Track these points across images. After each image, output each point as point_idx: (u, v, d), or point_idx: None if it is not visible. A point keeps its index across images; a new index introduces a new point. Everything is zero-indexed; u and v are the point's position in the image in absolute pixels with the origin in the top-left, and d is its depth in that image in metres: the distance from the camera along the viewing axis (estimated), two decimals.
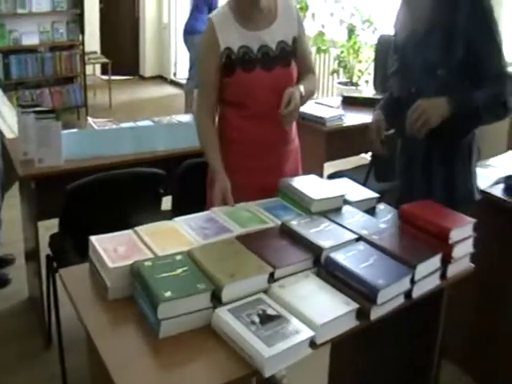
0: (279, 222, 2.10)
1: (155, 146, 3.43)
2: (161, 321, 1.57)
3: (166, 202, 3.18)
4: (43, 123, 3.13)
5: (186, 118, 3.96)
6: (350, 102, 4.99)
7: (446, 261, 1.98)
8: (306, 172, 2.63)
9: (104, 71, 9.57)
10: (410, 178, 2.60)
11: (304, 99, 2.54)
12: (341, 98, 5.11)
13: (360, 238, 2.00)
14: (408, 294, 1.85)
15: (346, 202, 2.28)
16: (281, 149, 2.68)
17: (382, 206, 2.34)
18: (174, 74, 10.81)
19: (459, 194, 2.51)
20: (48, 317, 3.37)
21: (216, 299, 1.66)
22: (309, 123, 4.28)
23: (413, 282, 1.84)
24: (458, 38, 2.27)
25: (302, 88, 2.53)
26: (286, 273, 1.81)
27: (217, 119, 2.69)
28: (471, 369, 3.17)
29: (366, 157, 5.27)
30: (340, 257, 1.84)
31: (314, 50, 7.30)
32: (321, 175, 4.18)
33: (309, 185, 2.30)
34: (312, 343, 1.58)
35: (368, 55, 6.29)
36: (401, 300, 1.83)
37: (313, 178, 2.44)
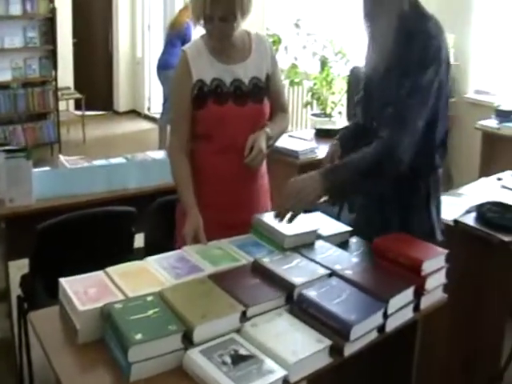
0: (251, 259, 2.09)
1: (128, 183, 3.41)
2: (131, 364, 1.54)
3: (139, 239, 3.16)
4: (13, 162, 3.10)
5: (160, 154, 3.94)
6: (322, 135, 5.00)
7: (419, 293, 1.98)
8: None
9: (77, 107, 9.54)
10: (368, 215, 2.52)
11: (272, 141, 2.54)
12: (314, 131, 5.14)
13: (333, 274, 1.99)
14: (381, 329, 1.85)
15: (319, 236, 2.27)
16: (251, 184, 2.66)
17: (354, 240, 2.34)
18: (148, 109, 10.80)
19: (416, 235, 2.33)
20: (20, 358, 3.31)
21: (188, 340, 1.64)
22: (282, 156, 4.30)
23: (386, 316, 1.84)
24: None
25: (269, 129, 2.53)
26: (258, 311, 1.79)
27: None
28: None
29: None
30: (312, 293, 1.83)
31: (287, 82, 7.36)
32: None
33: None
34: (285, 382, 1.56)
35: (341, 87, 6.36)
36: (374, 335, 1.83)
37: None
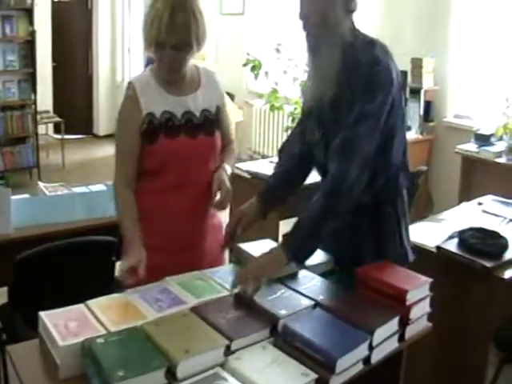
0: (234, 291, 2.06)
1: (108, 211, 3.37)
2: None
3: None
4: None
5: None
6: None
7: (404, 323, 1.98)
8: (262, 231, 2.60)
9: (57, 130, 9.49)
10: (340, 245, 2.38)
11: (229, 178, 2.50)
12: None
13: (317, 305, 1.98)
14: (367, 360, 1.83)
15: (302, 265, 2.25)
16: (204, 222, 2.54)
17: (337, 269, 2.33)
18: None
19: (391, 261, 2.28)
20: None
21: (171, 376, 1.61)
22: (262, 182, 4.28)
23: (371, 347, 1.83)
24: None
25: (227, 167, 2.52)
26: (242, 344, 1.77)
27: None
28: None
29: None
30: (297, 326, 1.82)
31: (267, 107, 7.39)
32: (276, 234, 4.17)
33: (263, 250, 2.28)
34: None
35: None
36: (360, 367, 1.82)
37: (267, 242, 2.42)
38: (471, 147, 5.60)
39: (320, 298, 2.02)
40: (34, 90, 7.82)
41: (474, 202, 3.86)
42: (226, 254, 2.60)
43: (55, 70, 10.07)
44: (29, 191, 4.29)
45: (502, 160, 5.34)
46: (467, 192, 5.36)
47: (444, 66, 6.20)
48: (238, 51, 8.24)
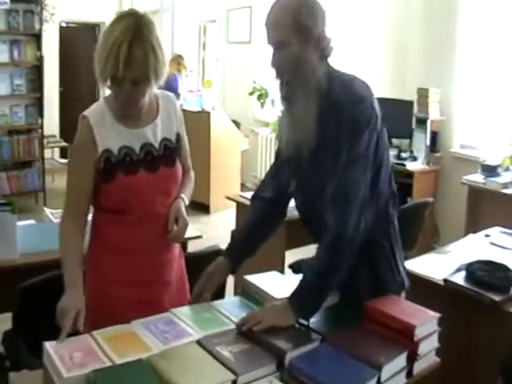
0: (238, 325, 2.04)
1: None
2: None
3: None
4: None
5: None
6: None
7: (412, 358, 1.95)
8: (268, 262, 2.59)
9: (63, 155, 9.53)
10: None
11: (187, 208, 2.42)
12: None
13: (324, 339, 1.96)
14: None
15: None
16: (165, 255, 2.42)
17: (343, 303, 2.30)
18: None
19: (389, 290, 2.27)
20: None
21: None
22: None
23: (379, 383, 1.80)
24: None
25: (185, 196, 2.44)
26: (248, 379, 1.74)
27: (88, 228, 2.40)
28: None
29: None
30: (303, 361, 1.80)
31: (273, 136, 7.41)
32: (282, 264, 4.16)
33: (270, 282, 2.27)
34: None
35: None
36: None
37: (274, 274, 2.41)
38: (478, 178, 5.60)
39: (327, 331, 2.00)
40: (41, 115, 7.86)
41: (481, 233, 3.84)
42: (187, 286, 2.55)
43: (62, 94, 10.15)
44: (34, 216, 4.31)
45: (509, 191, 5.33)
46: (474, 223, 5.34)
47: (450, 97, 6.22)
48: (245, 79, 8.29)
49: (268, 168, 2.51)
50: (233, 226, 5.20)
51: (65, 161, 9.18)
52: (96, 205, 2.34)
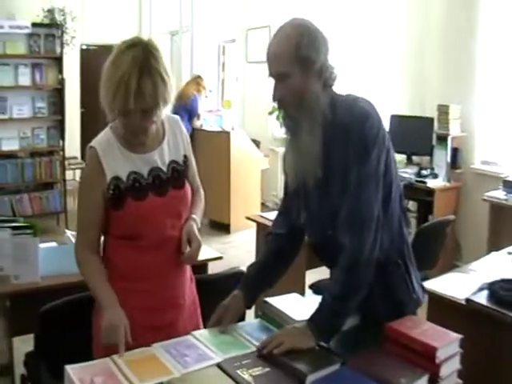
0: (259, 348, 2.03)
1: None
2: None
3: None
4: (20, 239, 3.10)
5: None
6: None
7: (434, 381, 1.92)
8: (288, 282, 2.57)
9: None
10: None
11: (199, 228, 2.42)
12: None
13: (344, 361, 1.95)
14: None
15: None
16: (177, 280, 2.42)
17: (363, 324, 2.28)
18: None
19: (407, 310, 2.23)
20: None
21: None
22: None
23: None
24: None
25: (196, 217, 2.44)
26: None
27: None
28: None
29: None
30: (324, 383, 1.79)
31: None
32: (303, 285, 4.15)
33: (290, 304, 2.26)
34: None
35: None
36: None
37: (294, 296, 2.40)
38: (499, 194, 5.56)
39: (347, 354, 1.98)
40: (63, 137, 7.94)
41: (504, 251, 3.79)
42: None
43: (83, 115, 10.22)
44: (56, 237, 4.33)
45: None
46: (496, 240, 5.30)
47: (471, 112, 6.18)
48: (264, 99, 8.30)
49: None
50: (253, 246, 5.21)
51: None
52: (106, 231, 2.35)
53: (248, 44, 9.51)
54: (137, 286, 2.30)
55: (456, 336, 2.05)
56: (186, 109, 8.10)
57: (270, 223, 4.37)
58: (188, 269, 2.50)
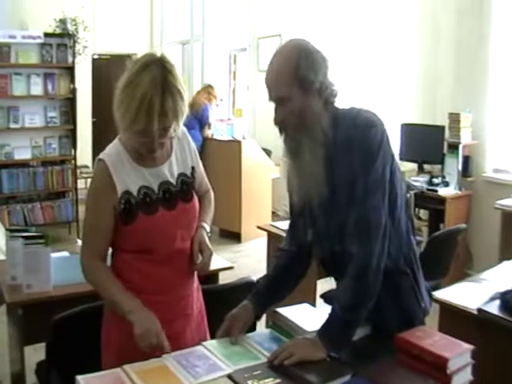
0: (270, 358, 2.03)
1: None
2: None
3: None
4: (32, 249, 3.12)
5: None
6: None
7: None
8: (299, 291, 2.57)
9: None
10: None
11: (209, 235, 2.44)
12: None
13: (356, 372, 1.94)
14: None
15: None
16: (186, 291, 2.42)
17: (374, 335, 2.28)
18: None
19: (416, 319, 2.24)
20: None
21: None
22: None
23: None
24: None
25: (205, 224, 2.46)
26: None
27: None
28: None
29: None
30: None
31: None
32: (314, 294, 4.14)
33: (301, 315, 2.26)
34: None
35: None
36: None
37: (305, 307, 2.40)
38: (511, 202, 5.53)
39: (358, 365, 1.98)
40: (74, 146, 7.98)
41: None
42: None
43: (94, 124, 10.27)
44: (67, 245, 4.36)
45: None
46: (508, 249, 5.26)
47: (482, 121, 6.16)
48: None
49: None
50: (264, 255, 5.21)
51: None
52: (115, 246, 2.34)
53: (259, 53, 9.54)
54: (147, 298, 2.25)
55: (467, 347, 2.04)
56: (197, 118, 8.11)
57: (280, 232, 4.43)
58: (196, 279, 2.51)
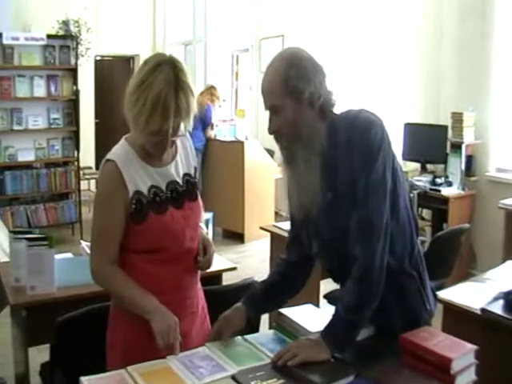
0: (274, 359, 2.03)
1: None
2: None
3: None
4: (36, 250, 3.12)
5: None
6: None
7: None
8: (303, 291, 2.57)
9: None
10: None
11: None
12: None
13: (359, 373, 1.94)
14: None
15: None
16: (192, 289, 2.43)
17: (378, 335, 2.28)
18: None
19: (421, 320, 2.23)
20: None
21: None
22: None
23: None
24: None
25: (202, 224, 2.50)
26: None
27: None
28: None
29: None
30: None
31: None
32: (317, 294, 4.13)
33: (305, 315, 2.26)
34: None
35: None
36: None
37: (308, 307, 2.40)
38: None
39: (362, 366, 1.98)
40: (77, 147, 8.00)
41: None
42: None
43: (97, 126, 10.28)
44: (71, 247, 4.36)
45: None
46: (511, 247, 5.26)
47: (485, 120, 6.16)
48: None
49: None
50: (268, 255, 5.21)
51: None
52: (124, 246, 2.32)
53: (261, 53, 9.55)
54: (156, 298, 2.24)
55: (471, 347, 2.04)
56: (200, 119, 8.12)
57: (283, 233, 4.42)
58: (199, 280, 2.52)
